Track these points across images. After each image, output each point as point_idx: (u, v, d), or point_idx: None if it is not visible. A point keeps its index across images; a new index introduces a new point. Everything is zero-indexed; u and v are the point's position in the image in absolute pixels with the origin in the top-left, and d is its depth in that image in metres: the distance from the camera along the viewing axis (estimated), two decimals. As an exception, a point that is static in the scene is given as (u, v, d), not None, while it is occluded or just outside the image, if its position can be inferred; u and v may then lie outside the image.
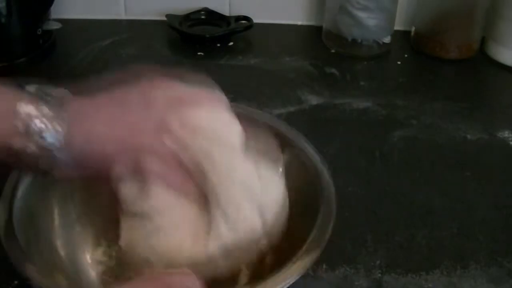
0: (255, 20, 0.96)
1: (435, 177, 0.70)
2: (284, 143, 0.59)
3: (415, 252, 0.61)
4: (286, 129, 0.61)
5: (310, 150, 0.59)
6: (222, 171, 0.49)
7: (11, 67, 0.85)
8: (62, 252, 0.54)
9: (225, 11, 0.98)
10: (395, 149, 0.74)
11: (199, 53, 0.92)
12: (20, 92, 0.46)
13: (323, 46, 0.94)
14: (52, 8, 0.88)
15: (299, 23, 1.00)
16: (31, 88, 0.46)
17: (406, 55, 0.94)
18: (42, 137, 0.45)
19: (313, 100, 0.82)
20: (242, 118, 0.52)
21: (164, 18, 0.95)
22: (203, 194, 0.50)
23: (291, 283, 0.46)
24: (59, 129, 0.45)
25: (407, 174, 0.71)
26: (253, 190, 0.50)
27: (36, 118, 0.45)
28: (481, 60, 0.93)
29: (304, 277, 0.57)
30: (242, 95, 0.80)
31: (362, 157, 0.73)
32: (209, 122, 0.50)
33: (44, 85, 0.47)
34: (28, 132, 0.44)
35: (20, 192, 0.53)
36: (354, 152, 0.73)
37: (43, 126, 0.45)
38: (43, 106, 0.45)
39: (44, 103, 0.45)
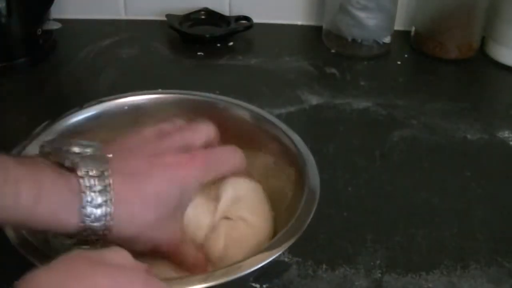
0: (255, 20, 0.96)
1: (435, 177, 0.70)
2: (272, 136, 0.60)
3: (415, 252, 0.61)
4: (276, 121, 0.62)
5: (298, 141, 0.60)
6: None
7: (11, 67, 0.85)
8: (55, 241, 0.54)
9: (225, 11, 0.98)
10: (395, 149, 0.74)
11: (199, 53, 0.92)
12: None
13: (323, 46, 0.94)
14: (52, 8, 0.89)
15: (299, 23, 1.00)
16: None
17: (406, 55, 0.94)
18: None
19: (313, 100, 0.82)
20: None
21: (164, 18, 0.95)
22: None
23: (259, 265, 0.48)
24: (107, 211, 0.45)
25: (407, 174, 0.71)
26: None
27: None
28: (481, 60, 0.93)
29: (304, 277, 0.57)
30: (242, 95, 0.80)
31: (362, 157, 0.73)
32: None
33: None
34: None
35: None
36: (354, 152, 0.73)
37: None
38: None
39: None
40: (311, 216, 0.52)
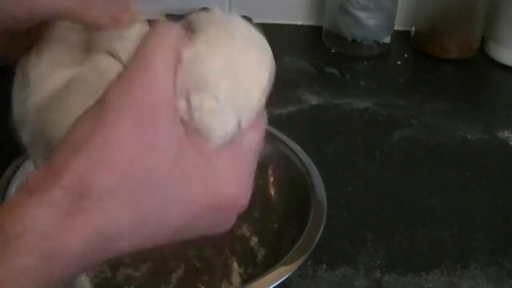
0: (255, 20, 0.95)
1: (435, 177, 0.70)
2: (274, 146, 0.60)
3: (415, 252, 0.61)
4: (275, 132, 0.62)
5: (300, 153, 0.59)
6: None
7: (10, 67, 0.85)
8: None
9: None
10: (395, 149, 0.74)
11: (199, 53, 0.92)
12: None
13: (323, 46, 0.94)
14: (52, 8, 0.88)
15: (299, 23, 1.00)
16: None
17: (406, 55, 0.94)
18: None
19: (313, 100, 0.82)
20: None
21: (164, 18, 0.95)
22: None
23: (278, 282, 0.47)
24: None
25: (407, 174, 0.71)
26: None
27: None
28: (481, 60, 0.93)
29: (304, 277, 0.57)
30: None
31: (362, 157, 0.73)
32: None
33: None
34: None
35: (12, 192, 0.54)
36: (354, 152, 0.73)
37: None
38: None
39: None
40: (320, 233, 0.52)
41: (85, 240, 0.31)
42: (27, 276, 0.30)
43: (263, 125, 0.39)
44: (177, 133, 0.33)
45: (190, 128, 0.34)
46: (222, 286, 0.55)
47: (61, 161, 0.31)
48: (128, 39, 0.39)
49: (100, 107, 0.33)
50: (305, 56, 0.92)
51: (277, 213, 0.58)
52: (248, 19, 1.04)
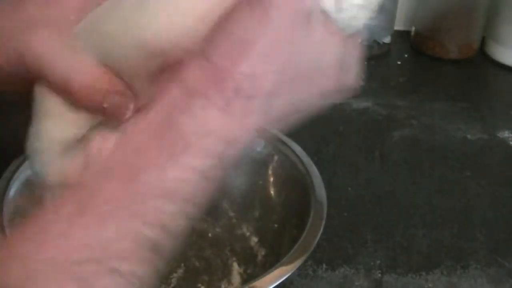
0: (255, 20, 0.95)
1: (435, 177, 0.70)
2: (274, 146, 0.60)
3: (415, 252, 0.61)
4: (275, 132, 0.61)
5: (300, 153, 0.59)
6: None
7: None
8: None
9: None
10: (395, 149, 0.74)
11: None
12: None
13: (323, 46, 0.94)
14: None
15: (299, 23, 1.00)
16: None
17: (406, 55, 0.94)
18: None
19: (313, 100, 0.82)
20: None
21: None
22: None
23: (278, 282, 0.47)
24: None
25: (407, 174, 0.71)
26: None
27: None
28: (481, 60, 0.93)
29: (304, 277, 0.57)
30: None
31: (362, 157, 0.73)
32: None
33: None
34: None
35: (11, 193, 0.53)
36: (354, 152, 0.73)
37: None
38: None
39: None
40: (320, 233, 0.52)
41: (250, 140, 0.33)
42: (203, 177, 0.31)
43: None
44: (326, 25, 0.36)
45: (332, 20, 0.37)
46: (222, 286, 0.55)
47: (229, 63, 0.32)
48: None
49: (263, 6, 0.33)
50: (305, 56, 0.92)
51: (277, 213, 0.58)
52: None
